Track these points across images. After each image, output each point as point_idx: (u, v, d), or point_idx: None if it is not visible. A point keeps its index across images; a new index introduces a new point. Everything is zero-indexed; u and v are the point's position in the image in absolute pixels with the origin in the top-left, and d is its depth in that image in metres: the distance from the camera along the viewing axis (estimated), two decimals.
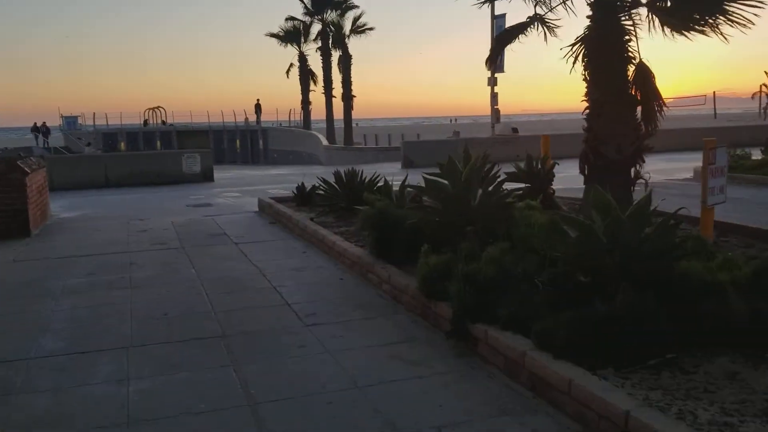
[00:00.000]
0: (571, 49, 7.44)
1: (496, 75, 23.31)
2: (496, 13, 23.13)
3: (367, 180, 10.04)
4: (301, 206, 10.86)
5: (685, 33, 6.61)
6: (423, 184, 6.28)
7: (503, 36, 7.93)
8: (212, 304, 5.71)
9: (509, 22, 23.98)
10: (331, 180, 10.25)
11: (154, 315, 5.44)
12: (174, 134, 48.15)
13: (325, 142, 29.09)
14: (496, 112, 23.54)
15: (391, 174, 20.44)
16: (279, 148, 42.52)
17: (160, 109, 57.14)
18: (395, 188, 8.06)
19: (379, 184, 10.06)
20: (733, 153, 14.56)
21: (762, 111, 61.74)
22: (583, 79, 7.41)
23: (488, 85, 23.51)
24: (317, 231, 8.03)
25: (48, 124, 50.72)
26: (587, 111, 7.38)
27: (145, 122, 55.27)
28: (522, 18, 8.03)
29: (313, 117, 42.65)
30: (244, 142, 46.90)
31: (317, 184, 10.93)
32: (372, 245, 6.36)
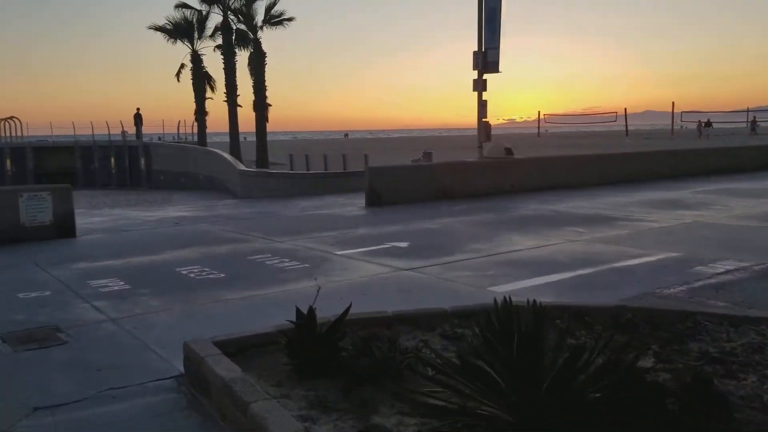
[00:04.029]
0: None
1: (485, 77, 17.09)
2: None
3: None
4: (306, 375, 4.01)
5: None
6: None
7: None
8: None
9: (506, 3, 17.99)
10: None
11: None
12: (29, 151, 38.55)
13: (239, 165, 21.73)
14: (485, 127, 17.30)
15: (356, 221, 13.49)
16: (167, 168, 34.33)
17: (14, 120, 46.82)
18: None
19: None
20: None
21: (698, 130, 60.52)
22: None
23: (474, 89, 17.25)
24: None
25: None
26: None
27: None
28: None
29: (210, 130, 34.87)
30: (120, 160, 38.15)
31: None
32: None
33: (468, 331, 4.67)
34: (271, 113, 32.57)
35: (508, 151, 17.35)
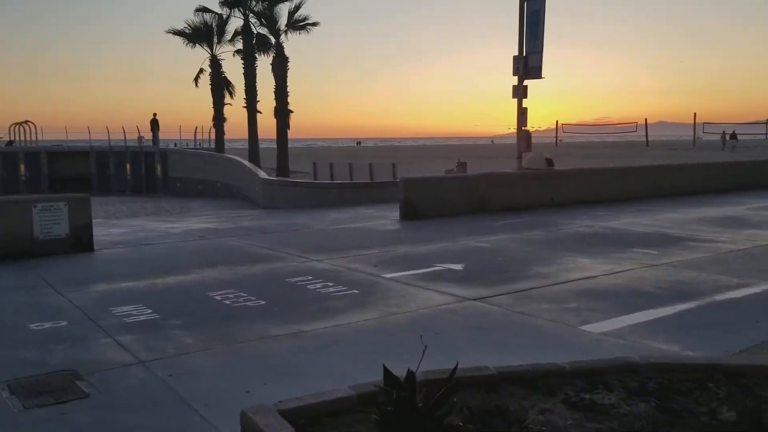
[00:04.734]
0: None
1: (526, 83, 16.10)
2: None
3: None
4: None
5: None
6: None
7: None
8: None
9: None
10: None
11: None
12: (44, 156, 37.96)
13: (260, 172, 20.82)
14: (525, 136, 16.32)
15: (395, 236, 11.31)
16: (184, 175, 33.59)
17: (29, 124, 46.37)
18: None
19: None
20: None
21: (722, 141, 59.39)
22: None
23: (514, 96, 16.28)
24: None
25: None
26: None
27: (10, 142, 44.58)
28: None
29: (228, 136, 34.10)
30: (136, 166, 37.52)
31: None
32: None
33: (602, 397, 3.67)
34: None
35: (549, 162, 16.35)
